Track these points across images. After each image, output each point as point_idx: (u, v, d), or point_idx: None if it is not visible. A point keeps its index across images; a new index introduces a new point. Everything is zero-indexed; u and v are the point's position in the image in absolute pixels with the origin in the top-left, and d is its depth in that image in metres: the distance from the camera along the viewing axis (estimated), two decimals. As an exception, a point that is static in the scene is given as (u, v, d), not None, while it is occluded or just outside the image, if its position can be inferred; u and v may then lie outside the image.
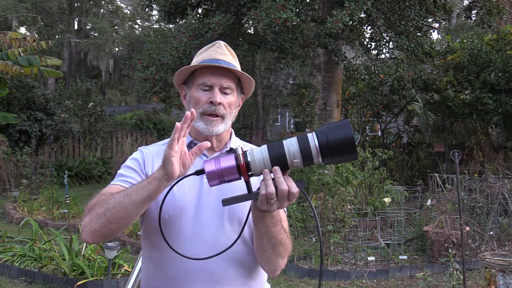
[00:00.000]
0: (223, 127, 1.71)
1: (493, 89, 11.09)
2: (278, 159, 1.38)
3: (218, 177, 1.39)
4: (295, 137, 1.39)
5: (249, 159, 1.38)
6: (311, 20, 9.59)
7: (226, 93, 1.71)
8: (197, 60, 1.78)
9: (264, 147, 1.40)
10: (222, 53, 1.75)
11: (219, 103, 1.68)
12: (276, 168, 1.39)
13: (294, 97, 16.15)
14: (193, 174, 1.46)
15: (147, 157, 1.74)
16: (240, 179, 1.40)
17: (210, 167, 1.39)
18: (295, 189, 1.42)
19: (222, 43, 1.79)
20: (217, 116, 1.69)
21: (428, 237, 6.08)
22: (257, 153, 1.39)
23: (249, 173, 1.40)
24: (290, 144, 1.37)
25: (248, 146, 1.81)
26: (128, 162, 1.75)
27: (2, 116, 11.53)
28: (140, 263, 2.25)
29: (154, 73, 9.80)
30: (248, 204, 1.53)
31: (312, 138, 1.35)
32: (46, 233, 6.63)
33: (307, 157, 1.36)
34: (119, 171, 1.74)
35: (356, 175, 8.34)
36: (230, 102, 1.72)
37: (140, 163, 1.72)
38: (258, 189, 1.41)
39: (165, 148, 1.58)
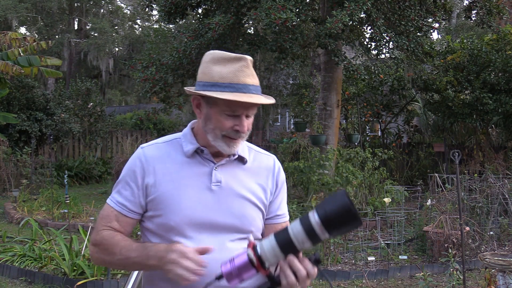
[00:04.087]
0: (241, 145, 1.71)
1: (493, 89, 11.09)
2: (287, 245, 1.39)
3: (237, 277, 1.41)
4: (298, 218, 1.41)
5: (259, 253, 1.40)
6: (311, 20, 9.59)
7: (248, 116, 1.66)
8: (220, 75, 1.62)
9: (272, 236, 1.42)
10: (251, 74, 1.63)
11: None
12: (291, 258, 1.41)
13: (294, 97, 16.15)
14: (214, 280, 1.47)
15: (147, 164, 1.68)
16: (259, 273, 1.42)
17: (226, 268, 1.42)
18: (312, 270, 1.45)
19: (249, 59, 1.65)
20: (238, 139, 1.67)
21: (428, 237, 6.08)
22: (266, 244, 1.40)
23: (265, 266, 1.41)
24: (294, 227, 1.39)
25: (253, 149, 1.82)
26: (126, 174, 1.71)
27: (2, 116, 11.53)
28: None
29: (154, 73, 9.80)
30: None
31: (313, 215, 1.37)
32: (46, 233, 6.63)
33: (313, 235, 1.37)
34: (117, 184, 1.73)
35: (356, 175, 8.34)
36: (251, 122, 1.69)
37: (138, 177, 1.68)
38: (278, 276, 1.44)
39: (166, 147, 1.67)
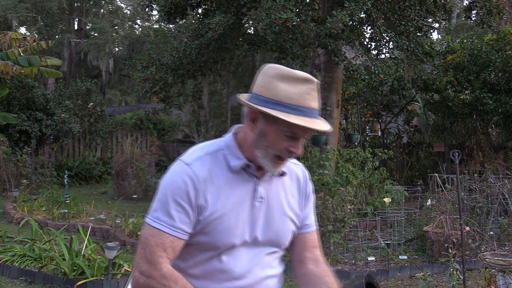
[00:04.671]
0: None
1: (493, 89, 11.09)
2: None
3: None
4: None
5: None
6: (311, 20, 9.59)
7: (304, 138, 1.64)
8: (287, 94, 1.55)
9: None
10: (317, 98, 1.61)
11: None
12: None
13: (294, 97, 16.13)
14: None
15: (199, 184, 1.58)
16: None
17: None
18: None
19: (316, 82, 1.61)
20: (288, 159, 1.65)
21: (428, 237, 6.08)
22: None
23: None
24: None
25: (294, 164, 1.81)
26: (176, 194, 1.57)
27: (2, 116, 11.53)
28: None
29: (154, 73, 9.80)
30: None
31: None
32: (46, 233, 6.63)
33: None
34: (163, 205, 1.58)
35: (356, 175, 8.34)
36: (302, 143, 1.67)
37: (192, 197, 1.57)
38: None
39: (212, 162, 1.62)
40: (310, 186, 1.82)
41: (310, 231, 1.81)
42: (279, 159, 1.60)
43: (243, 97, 1.65)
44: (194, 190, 1.57)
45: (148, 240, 1.57)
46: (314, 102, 1.59)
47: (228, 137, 1.69)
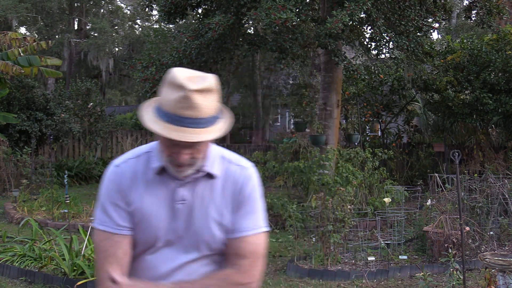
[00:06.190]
0: (194, 168, 1.61)
1: (493, 89, 11.09)
2: None
3: None
4: None
5: None
6: (311, 20, 9.59)
7: (193, 145, 1.55)
8: (164, 99, 1.53)
9: None
10: (194, 105, 1.49)
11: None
12: None
13: (294, 97, 16.17)
14: None
15: (124, 184, 1.65)
16: None
17: None
18: None
19: (192, 90, 1.49)
20: (183, 166, 1.59)
21: (428, 237, 6.08)
22: None
23: None
24: None
25: (227, 160, 1.71)
26: (108, 195, 1.65)
27: (2, 116, 11.53)
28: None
29: (154, 73, 9.80)
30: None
31: None
32: (46, 233, 6.63)
33: None
34: (105, 207, 1.65)
35: (356, 175, 8.34)
36: (201, 149, 1.58)
37: (121, 195, 1.64)
38: None
39: (137, 163, 1.63)
40: (248, 190, 1.68)
41: (236, 237, 1.65)
42: (175, 164, 1.57)
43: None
44: (121, 189, 1.64)
45: (99, 247, 1.65)
46: (190, 111, 1.49)
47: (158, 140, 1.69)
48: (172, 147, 1.54)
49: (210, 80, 1.54)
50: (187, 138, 1.49)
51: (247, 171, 1.71)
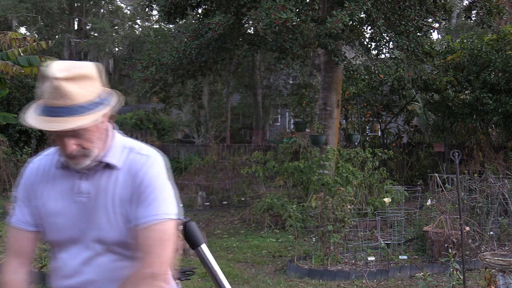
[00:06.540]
0: (90, 159, 1.57)
1: (493, 89, 11.09)
2: None
3: None
4: None
5: None
6: (311, 20, 9.59)
7: (78, 134, 1.51)
8: (39, 90, 1.52)
9: None
10: (60, 94, 1.46)
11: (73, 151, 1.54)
12: None
13: (294, 97, 16.16)
14: None
15: (32, 180, 1.67)
16: None
17: None
18: None
19: (58, 78, 1.47)
20: (76, 157, 1.55)
21: (428, 237, 6.08)
22: None
23: None
24: None
25: (131, 149, 1.66)
26: (20, 190, 1.71)
27: (2, 116, 11.52)
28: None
29: (154, 73, 9.81)
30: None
31: None
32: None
33: None
34: (16, 202, 1.71)
35: (356, 175, 8.34)
36: (88, 138, 1.54)
37: (29, 190, 1.67)
38: None
39: (46, 160, 1.64)
40: (148, 178, 1.60)
41: (138, 227, 1.56)
42: (66, 156, 1.56)
43: None
44: (30, 185, 1.67)
45: (6, 241, 1.69)
46: (60, 100, 1.46)
47: None
48: (57, 139, 1.53)
49: (84, 67, 1.53)
50: (55, 127, 1.46)
51: (148, 159, 1.63)
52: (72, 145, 1.52)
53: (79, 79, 1.50)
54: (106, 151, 1.61)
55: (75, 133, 1.50)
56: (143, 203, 1.58)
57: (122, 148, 1.65)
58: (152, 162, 1.63)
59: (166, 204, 1.60)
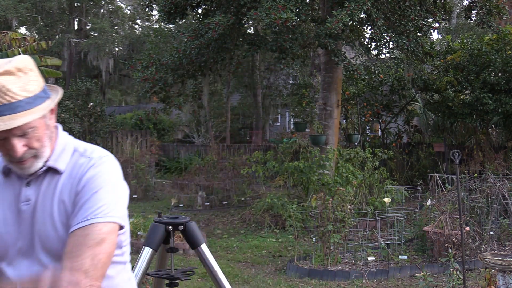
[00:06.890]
0: (41, 160, 1.47)
1: (493, 89, 11.09)
2: None
3: None
4: None
5: None
6: (311, 20, 9.59)
7: (25, 133, 1.40)
8: None
9: None
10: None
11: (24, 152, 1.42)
12: None
13: (294, 97, 16.16)
14: None
15: None
16: None
17: None
18: None
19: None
20: (25, 161, 1.44)
21: (428, 237, 6.08)
22: None
23: None
24: None
25: (79, 152, 1.55)
26: None
27: None
28: (140, 262, 2.24)
29: (154, 73, 9.80)
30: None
31: None
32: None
33: None
34: None
35: (356, 175, 8.34)
36: (37, 136, 1.43)
37: None
38: None
39: None
40: (85, 179, 1.47)
41: (71, 232, 1.41)
42: (16, 164, 1.44)
43: None
44: None
45: None
46: None
47: None
48: (2, 142, 1.40)
49: (18, 60, 1.40)
50: (1, 127, 1.34)
51: (90, 161, 1.50)
52: (20, 147, 1.40)
53: (16, 73, 1.38)
54: (51, 153, 1.49)
55: (22, 132, 1.39)
56: (79, 207, 1.44)
57: (71, 151, 1.53)
58: (95, 163, 1.50)
59: (98, 205, 1.43)
